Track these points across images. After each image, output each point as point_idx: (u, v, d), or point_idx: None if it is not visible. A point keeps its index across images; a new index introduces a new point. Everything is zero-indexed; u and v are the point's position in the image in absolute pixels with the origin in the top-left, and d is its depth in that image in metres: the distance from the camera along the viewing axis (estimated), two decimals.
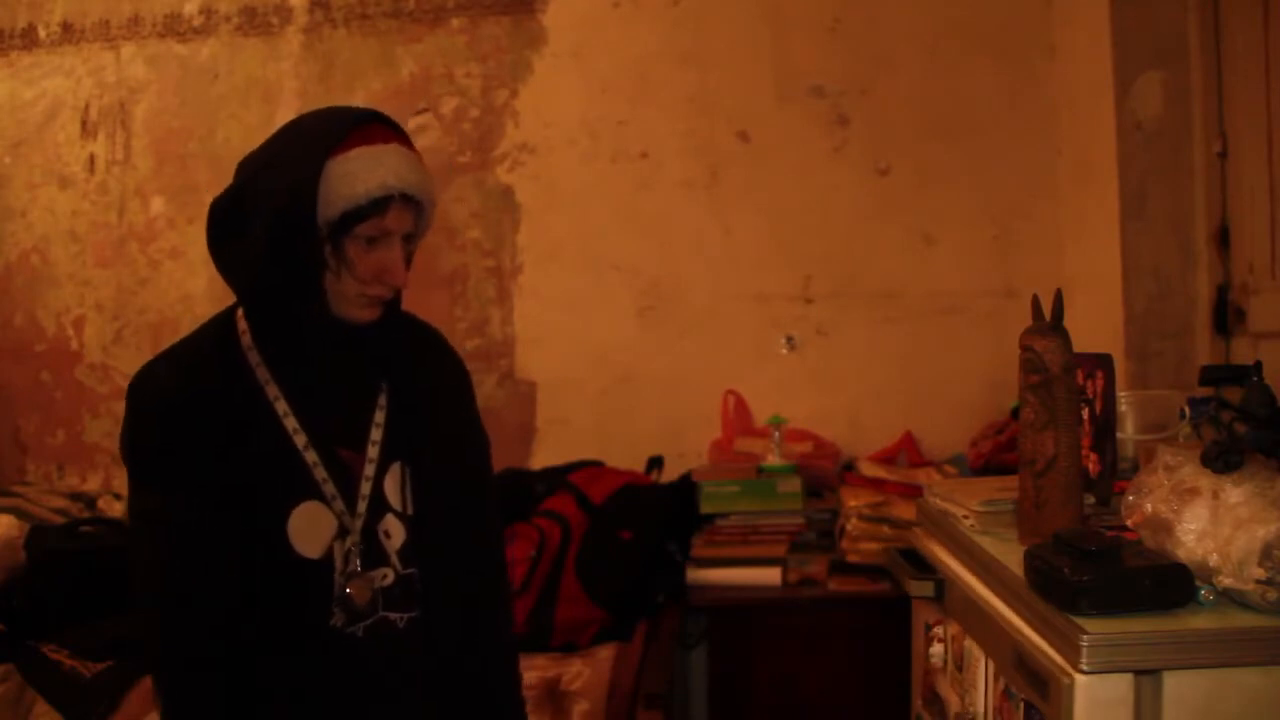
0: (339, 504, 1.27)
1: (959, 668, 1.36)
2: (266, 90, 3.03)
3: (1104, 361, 1.45)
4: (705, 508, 2.57)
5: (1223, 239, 2.22)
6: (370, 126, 1.24)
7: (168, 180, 3.07)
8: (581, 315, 2.94)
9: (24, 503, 2.67)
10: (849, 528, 2.46)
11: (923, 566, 1.51)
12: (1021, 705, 1.12)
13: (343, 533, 1.27)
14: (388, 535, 1.30)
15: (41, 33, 3.13)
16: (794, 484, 2.56)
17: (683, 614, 2.53)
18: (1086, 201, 2.56)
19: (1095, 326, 2.35)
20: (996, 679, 1.22)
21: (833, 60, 2.87)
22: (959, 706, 1.34)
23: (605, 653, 2.27)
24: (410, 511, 1.32)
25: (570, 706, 2.13)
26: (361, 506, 1.29)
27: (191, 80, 3.07)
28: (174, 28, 3.08)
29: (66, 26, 3.11)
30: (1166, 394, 1.70)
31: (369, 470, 1.30)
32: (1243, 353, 2.14)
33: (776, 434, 2.67)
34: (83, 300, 3.12)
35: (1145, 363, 2.29)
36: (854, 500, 2.50)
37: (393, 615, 1.29)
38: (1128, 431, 1.62)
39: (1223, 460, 1.07)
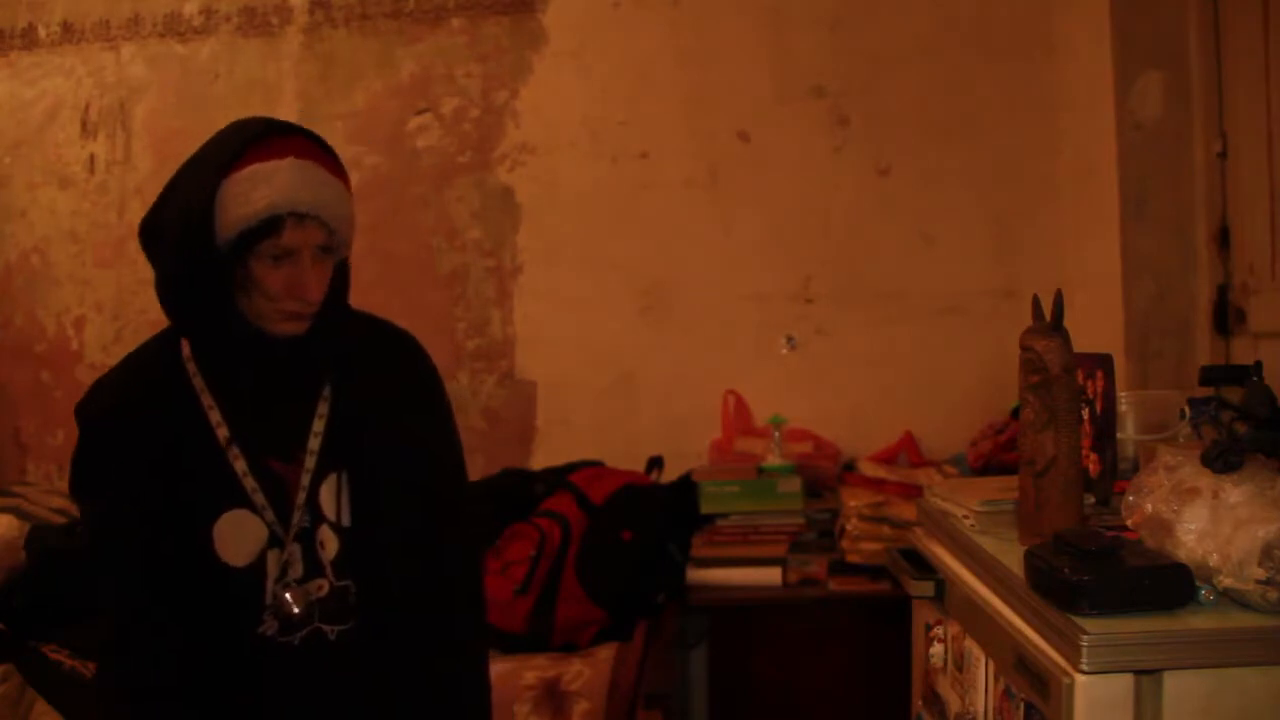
0: (269, 513, 1.28)
1: (959, 668, 1.36)
2: (266, 90, 3.03)
3: (1104, 361, 1.45)
4: (705, 508, 2.57)
5: (1223, 239, 2.22)
6: (271, 140, 1.22)
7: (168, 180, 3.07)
8: (581, 315, 2.95)
9: (24, 503, 2.67)
10: (849, 528, 2.46)
11: (923, 566, 1.51)
12: (1021, 705, 1.12)
13: (276, 542, 1.28)
14: (322, 546, 1.30)
15: (41, 33, 3.13)
16: (794, 484, 2.56)
17: (683, 614, 2.53)
18: (1086, 201, 2.56)
19: (1095, 326, 2.35)
20: (996, 679, 1.22)
21: (833, 60, 2.87)
22: (959, 706, 1.34)
23: (605, 653, 2.27)
24: (347, 522, 1.31)
25: (570, 706, 2.13)
26: (297, 516, 1.28)
27: (191, 80, 3.07)
28: (174, 28, 3.08)
29: (66, 26, 3.11)
30: (1166, 394, 1.70)
31: (304, 480, 1.29)
32: (1243, 353, 2.14)
33: (776, 434, 2.67)
34: (83, 300, 3.12)
35: (1145, 363, 2.29)
36: (854, 500, 2.51)
37: (325, 627, 1.29)
38: (1128, 431, 1.62)
39: (1223, 460, 1.07)
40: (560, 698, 2.15)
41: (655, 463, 2.77)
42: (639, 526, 2.46)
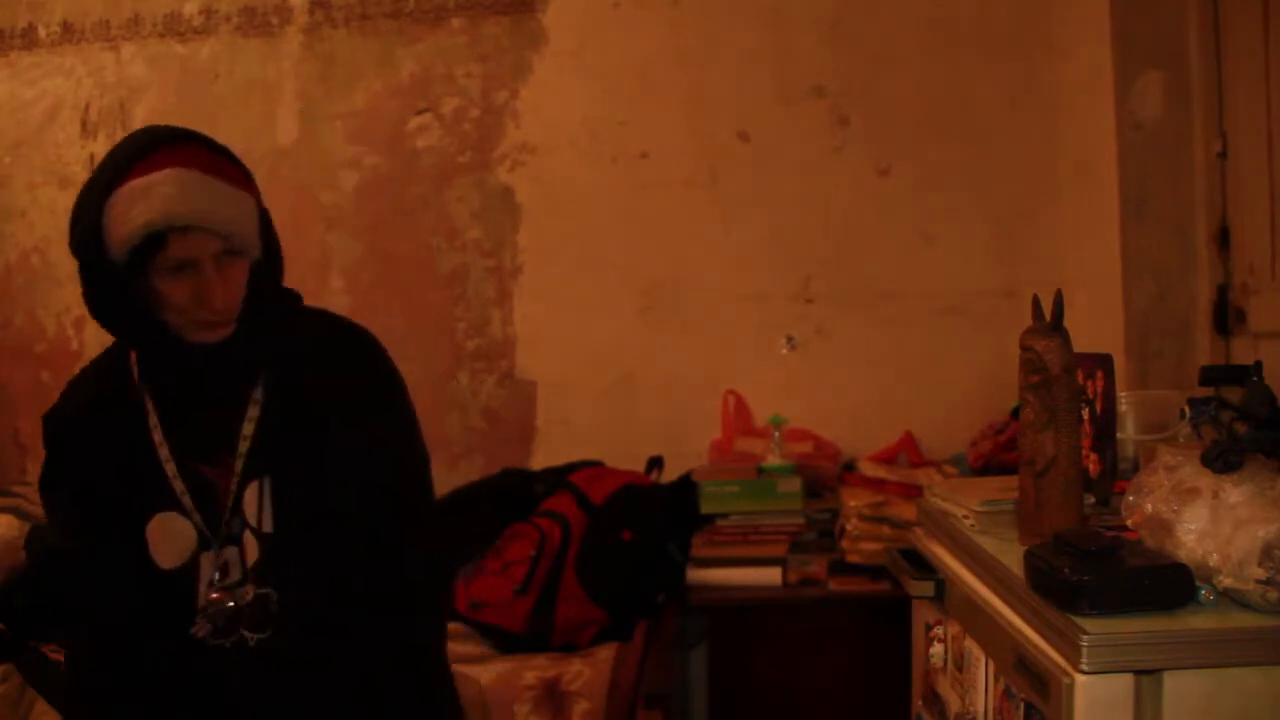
0: (197, 516, 1.28)
1: (959, 668, 1.36)
2: (266, 90, 3.03)
3: (1104, 361, 1.45)
4: (705, 508, 2.57)
5: (1223, 239, 2.22)
6: (154, 152, 1.21)
7: None
8: (581, 315, 2.94)
9: (24, 503, 2.67)
10: (849, 528, 2.46)
11: (923, 566, 1.51)
12: (1021, 705, 1.12)
13: (207, 545, 1.29)
14: (246, 552, 1.29)
15: (41, 33, 3.13)
16: (794, 484, 2.56)
17: (683, 614, 2.53)
18: (1086, 201, 2.56)
19: (1095, 326, 2.35)
20: (996, 679, 1.22)
21: (833, 60, 2.87)
22: (959, 706, 1.34)
23: (605, 653, 2.27)
24: (269, 528, 1.29)
25: (570, 706, 2.13)
26: (225, 520, 1.29)
27: (191, 80, 3.07)
28: (174, 28, 3.08)
29: (66, 26, 3.11)
30: (1166, 394, 1.70)
31: (233, 484, 1.29)
32: (1243, 353, 2.14)
33: (776, 434, 2.67)
34: (83, 300, 3.11)
35: (1145, 363, 2.29)
36: (854, 500, 2.51)
37: (248, 634, 1.28)
38: (1128, 431, 1.62)
39: (1223, 460, 1.07)
40: (560, 698, 2.15)
41: (655, 463, 2.77)
42: (639, 526, 2.46)
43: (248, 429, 1.29)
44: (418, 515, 1.41)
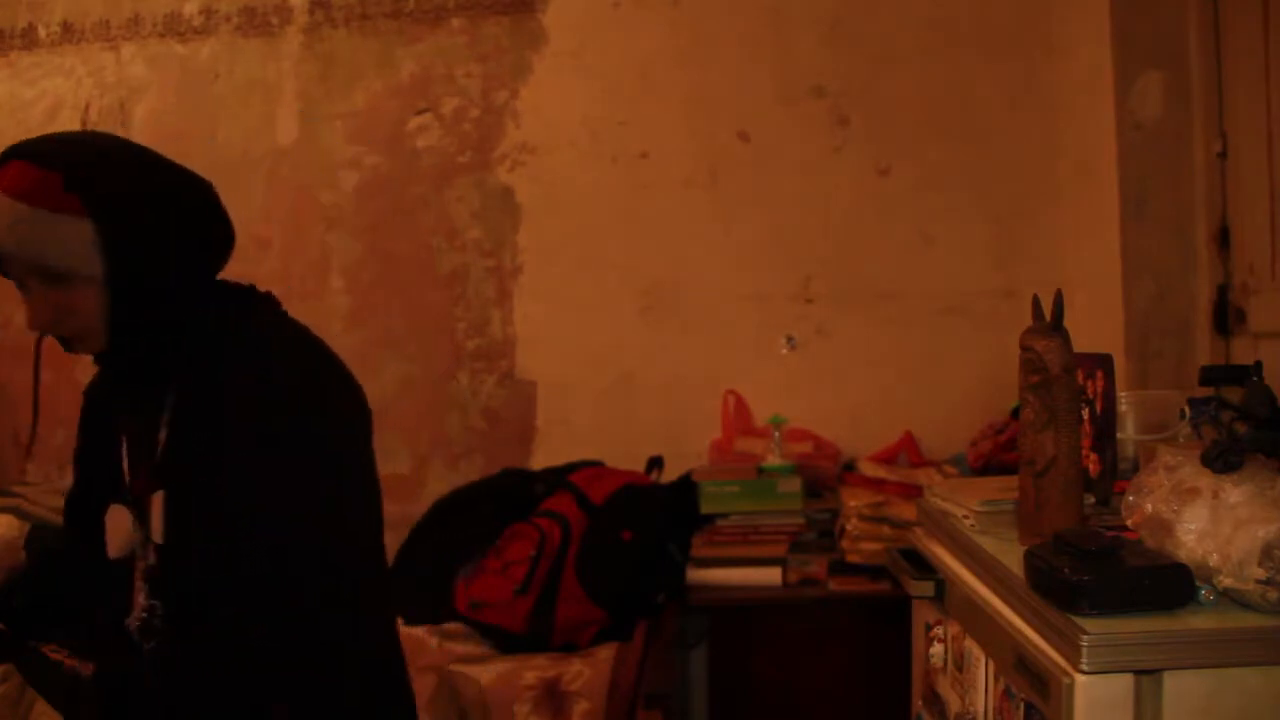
0: (133, 514, 1.31)
1: (959, 668, 1.36)
2: (266, 90, 3.03)
3: (1104, 361, 1.45)
4: (705, 508, 2.57)
5: (1223, 239, 2.22)
6: None
7: None
8: (581, 315, 2.94)
9: (24, 503, 2.67)
10: (849, 528, 2.46)
11: (923, 566, 1.51)
12: (1021, 705, 1.12)
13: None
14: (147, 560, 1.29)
15: (41, 33, 3.13)
16: (794, 484, 2.56)
17: (683, 614, 2.53)
18: (1086, 201, 2.56)
19: (1095, 326, 2.35)
20: (996, 679, 1.22)
21: (833, 60, 2.87)
22: (959, 706, 1.34)
23: (605, 653, 2.27)
24: (159, 539, 1.26)
25: (570, 706, 2.13)
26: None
27: (191, 80, 3.07)
28: (174, 28, 3.08)
29: (66, 26, 3.11)
30: (1166, 394, 1.70)
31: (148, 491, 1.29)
32: (1243, 353, 2.14)
33: (776, 434, 2.67)
34: None
35: (1145, 363, 2.30)
36: (854, 500, 2.51)
37: (144, 643, 1.27)
38: (1128, 431, 1.62)
39: (1223, 460, 1.07)
40: (560, 698, 2.15)
41: (655, 463, 2.77)
42: (639, 526, 2.46)
43: (162, 437, 1.28)
44: (318, 536, 1.25)
